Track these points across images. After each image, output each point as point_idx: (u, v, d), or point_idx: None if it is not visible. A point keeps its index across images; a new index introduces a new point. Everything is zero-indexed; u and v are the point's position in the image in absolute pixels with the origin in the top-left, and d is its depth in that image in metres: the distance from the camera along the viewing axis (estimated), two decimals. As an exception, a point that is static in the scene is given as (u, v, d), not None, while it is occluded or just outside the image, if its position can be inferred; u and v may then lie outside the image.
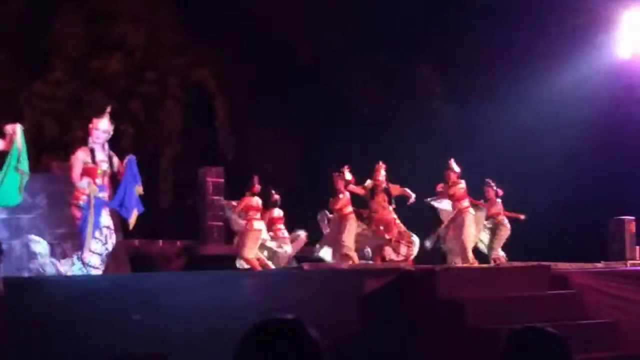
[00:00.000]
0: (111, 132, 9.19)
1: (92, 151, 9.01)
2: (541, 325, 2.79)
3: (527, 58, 19.03)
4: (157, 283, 8.56)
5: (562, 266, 11.49)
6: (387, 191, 12.93)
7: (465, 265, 12.19)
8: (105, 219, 8.96)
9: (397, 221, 13.01)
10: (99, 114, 9.36)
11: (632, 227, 14.79)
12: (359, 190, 13.04)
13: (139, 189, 9.19)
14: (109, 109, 9.36)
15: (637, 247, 14.76)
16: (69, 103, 18.09)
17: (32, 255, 10.07)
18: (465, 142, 18.64)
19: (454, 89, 20.63)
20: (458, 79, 20.11)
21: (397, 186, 13.06)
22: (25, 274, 12.00)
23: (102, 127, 9.10)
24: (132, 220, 9.29)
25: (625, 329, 9.12)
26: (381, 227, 12.92)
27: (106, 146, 9.16)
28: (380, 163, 13.11)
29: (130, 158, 9.23)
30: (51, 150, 17.00)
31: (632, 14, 16.06)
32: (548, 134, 18.63)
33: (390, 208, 12.99)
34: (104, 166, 9.07)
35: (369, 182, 13.03)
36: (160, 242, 16.21)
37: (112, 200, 9.16)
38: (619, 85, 18.06)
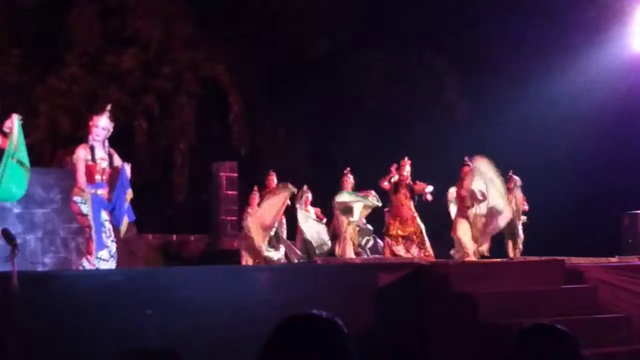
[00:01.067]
0: (111, 130, 9.20)
1: (92, 149, 9.04)
2: (550, 321, 2.79)
3: (541, 51, 18.96)
4: (170, 277, 8.57)
5: (576, 261, 11.46)
6: (410, 187, 12.88)
7: (462, 258, 12.15)
8: (104, 213, 9.00)
9: (417, 219, 12.91)
10: (100, 111, 9.38)
11: (646, 221, 14.74)
12: (385, 185, 13.02)
13: (128, 196, 9.18)
14: (109, 107, 9.38)
15: (652, 241, 14.71)
16: (83, 98, 18.15)
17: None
18: (478, 135, 18.59)
19: (468, 82, 20.58)
20: (472, 72, 20.06)
21: (423, 184, 12.96)
22: (40, 268, 12.08)
23: (102, 124, 9.11)
24: (122, 228, 9.29)
25: (639, 323, 9.09)
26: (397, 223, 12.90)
27: (106, 143, 9.18)
28: (406, 159, 13.03)
29: (123, 165, 9.23)
30: (66, 146, 17.07)
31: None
32: (562, 127, 18.56)
33: (411, 205, 12.92)
34: (104, 164, 9.09)
35: (395, 178, 12.98)
36: (174, 236, 16.26)
37: (109, 204, 9.18)
38: (633, 78, 17.97)
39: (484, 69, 19.59)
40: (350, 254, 13.05)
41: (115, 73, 18.73)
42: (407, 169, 12.97)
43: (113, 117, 9.35)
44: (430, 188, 12.95)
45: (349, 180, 13.73)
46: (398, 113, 20.75)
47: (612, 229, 15.23)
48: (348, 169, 13.93)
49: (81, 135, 17.68)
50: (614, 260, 12.62)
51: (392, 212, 13.03)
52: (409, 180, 12.92)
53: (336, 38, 20.62)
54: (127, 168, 9.26)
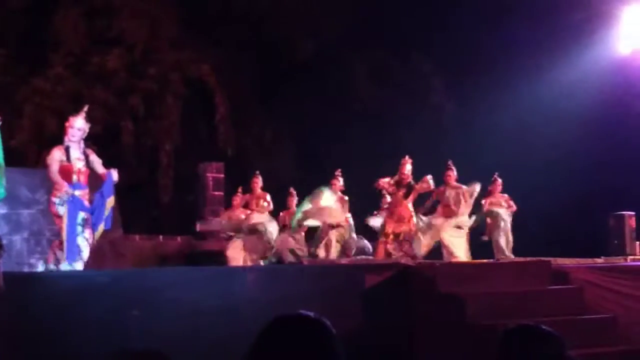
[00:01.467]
0: (87, 130, 9.19)
1: (67, 149, 9.01)
2: (536, 322, 2.79)
3: (527, 53, 19.02)
4: (157, 278, 8.54)
5: (563, 262, 11.50)
6: (409, 186, 12.67)
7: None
8: (83, 215, 8.95)
9: (414, 219, 12.72)
10: (76, 112, 9.37)
11: (632, 222, 14.76)
12: (386, 185, 12.87)
13: (109, 203, 9.13)
14: (85, 108, 9.37)
15: (637, 242, 14.74)
16: (69, 99, 18.04)
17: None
18: (465, 137, 18.65)
19: (454, 85, 20.62)
20: (458, 74, 20.10)
21: (425, 185, 12.74)
22: (26, 269, 12.01)
23: (78, 125, 9.11)
24: (97, 233, 9.24)
25: (626, 324, 9.12)
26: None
27: (82, 144, 9.16)
28: (407, 157, 12.83)
29: (110, 171, 9.19)
30: (51, 146, 16.97)
31: (633, 9, 16.03)
32: (548, 129, 18.63)
33: (409, 204, 12.71)
34: (79, 164, 9.06)
35: (396, 177, 12.81)
36: (161, 237, 16.21)
37: (90, 206, 9.12)
38: (619, 81, 18.04)
39: (471, 71, 19.64)
40: (334, 256, 12.92)
41: (101, 74, 18.65)
42: (407, 168, 12.74)
43: (89, 118, 9.32)
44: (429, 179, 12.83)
45: (339, 182, 13.63)
46: (385, 115, 20.76)
47: (598, 230, 15.28)
48: (339, 170, 13.80)
49: (67, 136, 17.72)
50: (600, 261, 12.67)
51: (390, 210, 12.89)
52: (409, 180, 12.69)
53: (323, 40, 20.62)
54: (114, 174, 9.22)
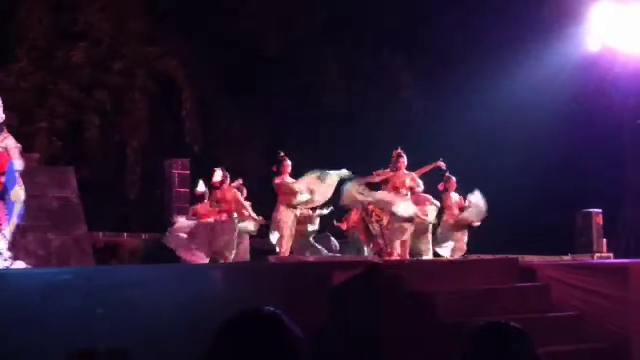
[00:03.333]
0: (3, 117, 9.01)
1: None
2: (504, 320, 2.73)
3: (497, 50, 19.04)
4: (121, 276, 8.43)
5: (530, 259, 11.52)
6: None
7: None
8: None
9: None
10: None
11: (600, 219, 14.87)
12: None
13: (13, 195, 8.79)
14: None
15: (605, 239, 14.84)
16: (33, 94, 17.82)
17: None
18: (434, 134, 18.65)
19: (424, 82, 20.62)
20: (428, 71, 20.10)
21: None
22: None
23: None
24: (10, 226, 8.95)
25: (592, 322, 9.13)
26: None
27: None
28: (400, 149, 12.57)
29: (10, 162, 8.86)
30: (15, 142, 16.76)
31: (601, 7, 16.10)
32: (516, 127, 18.68)
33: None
34: None
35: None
36: (125, 235, 16.04)
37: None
38: (588, 79, 18.14)
39: (441, 67, 19.66)
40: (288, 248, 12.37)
41: (66, 68, 18.43)
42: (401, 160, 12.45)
43: (4, 107, 9.14)
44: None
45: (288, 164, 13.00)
46: (355, 111, 20.73)
47: (565, 228, 15.35)
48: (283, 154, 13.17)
49: (30, 131, 17.51)
50: (567, 258, 12.73)
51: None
52: (403, 171, 12.43)
53: (293, 35, 20.53)
54: (18, 163, 8.87)
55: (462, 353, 2.67)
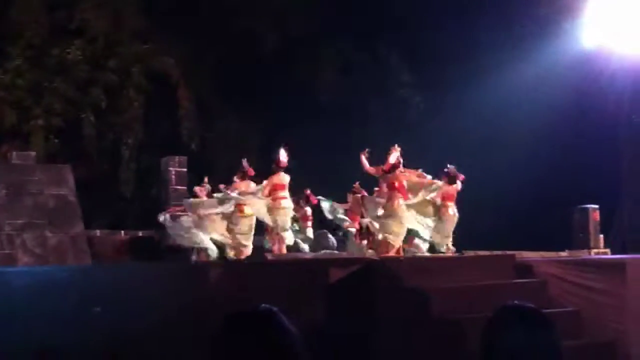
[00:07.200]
0: None
1: None
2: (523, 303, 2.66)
3: (494, 48, 19.03)
4: (118, 274, 8.43)
5: (527, 255, 11.51)
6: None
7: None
8: None
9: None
10: None
11: (596, 215, 14.84)
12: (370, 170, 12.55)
13: None
14: None
15: (601, 235, 14.83)
16: (29, 91, 17.80)
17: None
18: (431, 130, 18.66)
19: (421, 79, 20.62)
20: (425, 68, 20.08)
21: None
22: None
23: None
24: None
25: (589, 317, 9.14)
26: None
27: None
28: (396, 146, 12.46)
29: None
30: (10, 140, 16.74)
31: (597, 4, 16.10)
32: (513, 124, 18.67)
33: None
34: None
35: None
36: (122, 232, 16.02)
37: None
38: (584, 75, 18.11)
39: (438, 65, 19.64)
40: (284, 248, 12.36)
41: (61, 66, 18.40)
42: (395, 155, 12.34)
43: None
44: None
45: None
46: (351, 108, 20.71)
47: (562, 224, 15.34)
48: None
49: (27, 129, 17.48)
50: (564, 254, 12.71)
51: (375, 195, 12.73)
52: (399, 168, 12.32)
53: (289, 33, 20.49)
54: None
55: (457, 348, 2.65)
